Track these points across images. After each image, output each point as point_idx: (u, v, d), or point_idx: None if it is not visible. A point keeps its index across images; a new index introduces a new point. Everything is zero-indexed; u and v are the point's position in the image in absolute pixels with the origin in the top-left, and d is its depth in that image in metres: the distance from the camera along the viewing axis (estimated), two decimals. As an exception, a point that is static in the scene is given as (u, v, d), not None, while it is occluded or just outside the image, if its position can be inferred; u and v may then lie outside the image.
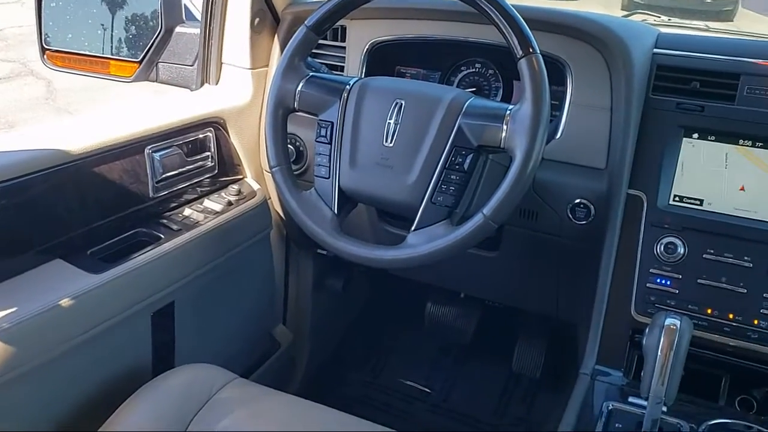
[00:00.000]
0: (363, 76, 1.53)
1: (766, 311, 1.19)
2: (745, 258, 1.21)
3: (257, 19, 1.60)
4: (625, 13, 2.07)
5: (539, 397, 2.06)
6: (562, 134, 1.35)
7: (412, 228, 1.18)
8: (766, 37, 1.52)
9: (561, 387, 1.71)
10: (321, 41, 1.45)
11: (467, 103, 1.17)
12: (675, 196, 1.28)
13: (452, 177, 1.16)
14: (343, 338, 2.24)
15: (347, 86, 1.25)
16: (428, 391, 2.12)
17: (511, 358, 2.02)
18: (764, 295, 1.20)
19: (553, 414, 1.46)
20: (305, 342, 2.01)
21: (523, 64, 1.09)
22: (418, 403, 2.08)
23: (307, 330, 2.01)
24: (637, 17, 1.81)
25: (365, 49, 1.54)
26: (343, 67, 1.57)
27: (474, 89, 1.56)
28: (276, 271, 1.82)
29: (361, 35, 1.54)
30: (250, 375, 1.77)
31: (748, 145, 1.25)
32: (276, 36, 1.65)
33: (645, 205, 1.28)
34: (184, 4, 1.82)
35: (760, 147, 1.24)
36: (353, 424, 1.16)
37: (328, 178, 1.24)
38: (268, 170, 1.28)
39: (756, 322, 1.20)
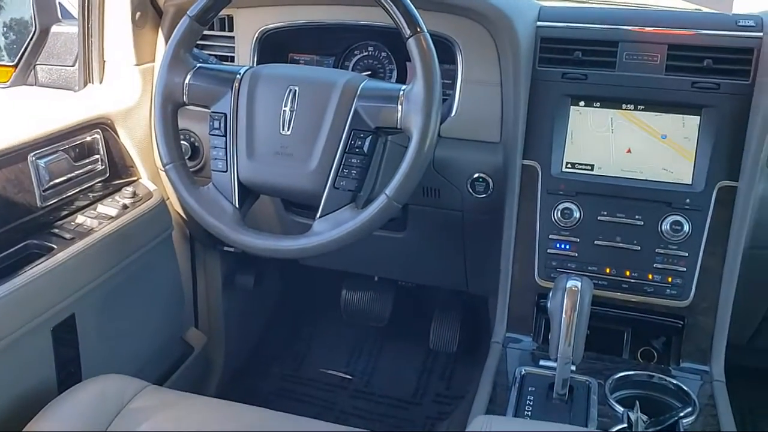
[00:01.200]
0: (254, 65, 1.50)
1: (659, 265, 1.27)
2: (636, 217, 1.28)
3: (138, 13, 1.53)
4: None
5: (457, 371, 2.10)
6: (456, 112, 1.38)
7: (318, 215, 1.17)
8: (642, 5, 1.60)
9: (477, 358, 1.75)
10: (208, 32, 1.41)
11: (361, 86, 1.17)
12: (567, 163, 1.33)
13: (353, 160, 1.16)
14: (259, 335, 2.21)
15: (238, 75, 1.22)
16: (349, 377, 2.12)
17: (428, 335, 2.05)
18: (656, 250, 1.27)
19: (472, 385, 1.49)
20: (220, 343, 1.97)
21: (411, 44, 1.09)
22: (339, 390, 2.08)
23: (221, 330, 1.96)
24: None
25: (255, 38, 1.51)
26: (233, 57, 1.53)
27: (369, 72, 1.56)
28: (182, 273, 1.76)
29: (249, 24, 1.51)
30: (164, 382, 1.71)
31: (630, 109, 1.31)
32: (160, 29, 1.59)
33: (540, 174, 1.33)
34: (59, 2, 1.73)
35: (642, 110, 1.31)
36: (272, 418, 1.14)
37: (226, 171, 1.21)
38: (162, 168, 1.24)
39: (650, 276, 1.27)
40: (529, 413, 1.12)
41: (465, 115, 1.37)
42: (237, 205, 1.21)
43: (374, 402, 2.04)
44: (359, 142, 1.15)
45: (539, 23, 1.37)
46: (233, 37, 1.53)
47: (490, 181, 1.36)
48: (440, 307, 2.06)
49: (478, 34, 1.36)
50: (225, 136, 1.21)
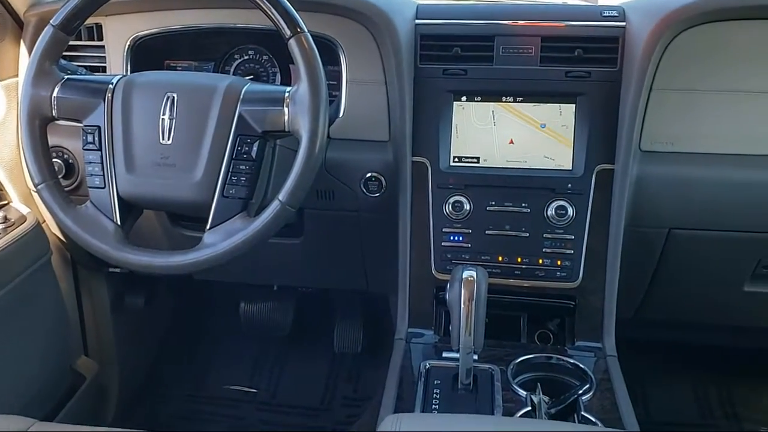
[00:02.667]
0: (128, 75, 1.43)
1: (548, 250, 1.32)
2: (523, 205, 1.32)
3: (-5, 25, 1.42)
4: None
5: (364, 372, 2.10)
6: (344, 112, 1.37)
7: (207, 227, 1.13)
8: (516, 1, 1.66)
9: (382, 357, 1.76)
10: (75, 42, 1.33)
11: (244, 90, 1.14)
12: (454, 157, 1.36)
13: (241, 167, 1.13)
14: (155, 356, 2.11)
15: (110, 85, 1.15)
16: (254, 390, 2.07)
17: (332, 339, 2.03)
18: (544, 235, 1.32)
19: (379, 385, 1.49)
20: (113, 369, 1.86)
21: (293, 45, 1.08)
22: (245, 405, 2.03)
23: (113, 356, 1.86)
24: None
25: (127, 46, 1.43)
26: (104, 68, 1.45)
27: (251, 77, 1.52)
28: (66, 299, 1.65)
29: (120, 31, 1.44)
30: (55, 417, 1.60)
31: (510, 101, 1.35)
32: (21, 41, 1.48)
33: (429, 169, 1.34)
34: None
35: (521, 101, 1.35)
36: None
37: (104, 187, 1.15)
38: (35, 189, 1.16)
39: (541, 261, 1.32)
40: (437, 407, 1.12)
41: (352, 115, 1.37)
42: (119, 223, 1.15)
43: (282, 413, 2.00)
44: (246, 148, 1.12)
45: (417, 21, 1.39)
46: (103, 46, 1.45)
47: (382, 179, 1.37)
48: (342, 309, 2.05)
49: (359, 34, 1.36)
50: (100, 150, 1.15)
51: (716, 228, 1.36)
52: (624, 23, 1.34)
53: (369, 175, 1.37)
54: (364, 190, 1.38)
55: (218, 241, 1.11)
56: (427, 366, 1.21)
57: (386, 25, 1.32)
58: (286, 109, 1.10)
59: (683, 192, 1.33)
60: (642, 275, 1.47)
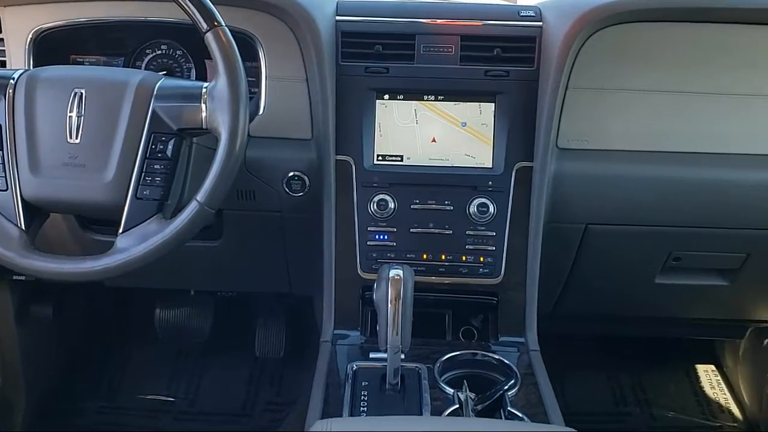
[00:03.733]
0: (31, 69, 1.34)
1: (470, 247, 1.33)
2: (446, 202, 1.33)
3: None
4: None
5: (287, 375, 2.06)
6: (264, 110, 1.33)
7: (120, 230, 1.08)
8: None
9: (306, 360, 1.73)
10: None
11: (158, 85, 1.09)
12: (378, 155, 1.35)
13: (156, 167, 1.08)
14: (66, 368, 2.00)
15: (11, 80, 1.08)
16: (172, 399, 1.99)
17: (254, 344, 1.99)
18: (467, 232, 1.33)
19: (303, 388, 1.46)
20: (18, 383, 1.75)
21: (210, 38, 1.04)
22: (162, 415, 1.95)
23: (19, 369, 1.74)
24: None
25: (29, 39, 1.34)
26: (4, 62, 1.36)
27: (165, 72, 1.46)
28: (-35, 310, 1.54)
29: (20, 23, 1.34)
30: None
31: (431, 100, 1.36)
32: None
33: (354, 168, 1.33)
34: None
35: (442, 100, 1.35)
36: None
37: (6, 189, 1.07)
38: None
39: (464, 258, 1.33)
40: (365, 409, 1.11)
41: (273, 112, 1.33)
42: (23, 227, 1.08)
43: (201, 421, 1.94)
44: (161, 146, 1.07)
45: (338, 17, 1.37)
46: (2, 39, 1.35)
47: (305, 178, 1.34)
48: (264, 312, 2.01)
49: (279, 30, 1.33)
50: (1, 150, 1.07)
51: (630, 223, 1.41)
52: (540, 23, 1.37)
53: (292, 174, 1.34)
54: (287, 190, 1.35)
55: (132, 245, 1.06)
56: (354, 368, 1.19)
57: (306, 22, 1.30)
58: (203, 106, 1.06)
59: (598, 188, 1.37)
60: (560, 270, 1.50)
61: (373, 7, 1.42)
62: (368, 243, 1.32)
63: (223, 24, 1.05)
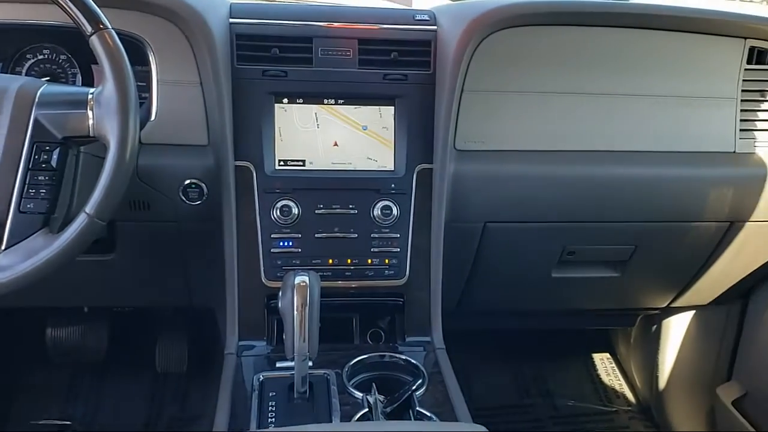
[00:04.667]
0: None
1: (375, 249, 1.33)
2: (350, 206, 1.32)
3: None
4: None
5: (192, 390, 1.99)
6: (156, 115, 1.28)
7: (2, 247, 1.01)
8: (335, 2, 1.66)
9: (211, 373, 1.68)
10: None
11: (40, 91, 1.02)
12: (280, 160, 1.33)
13: (40, 178, 1.01)
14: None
15: None
16: (68, 423, 1.88)
17: (154, 359, 1.91)
18: (372, 235, 1.33)
19: (209, 402, 1.42)
20: None
21: (95, 42, 0.99)
22: (58, 440, 1.84)
23: None
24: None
25: None
26: None
27: (48, 78, 1.38)
28: None
29: None
30: None
31: (332, 103, 1.35)
32: None
33: (254, 174, 1.30)
34: None
35: (342, 103, 1.35)
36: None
37: None
38: None
39: (370, 261, 1.33)
40: (273, 420, 1.09)
41: (166, 118, 1.28)
42: None
43: (102, 443, 1.85)
44: (45, 156, 1.01)
45: (232, 20, 1.34)
46: None
47: (203, 186, 1.30)
48: (164, 326, 1.93)
49: (170, 33, 1.28)
50: None
51: (526, 220, 1.46)
52: (435, 27, 1.39)
53: (188, 181, 1.29)
54: (184, 198, 1.30)
55: (17, 262, 0.99)
56: (261, 378, 1.17)
57: (198, 24, 1.26)
58: (90, 113, 1.01)
59: (495, 188, 1.41)
60: (462, 268, 1.54)
61: (268, 10, 1.40)
62: (272, 250, 1.29)
63: (109, 27, 1.00)
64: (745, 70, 1.47)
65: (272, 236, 1.29)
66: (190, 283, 1.49)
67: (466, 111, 1.38)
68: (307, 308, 1.04)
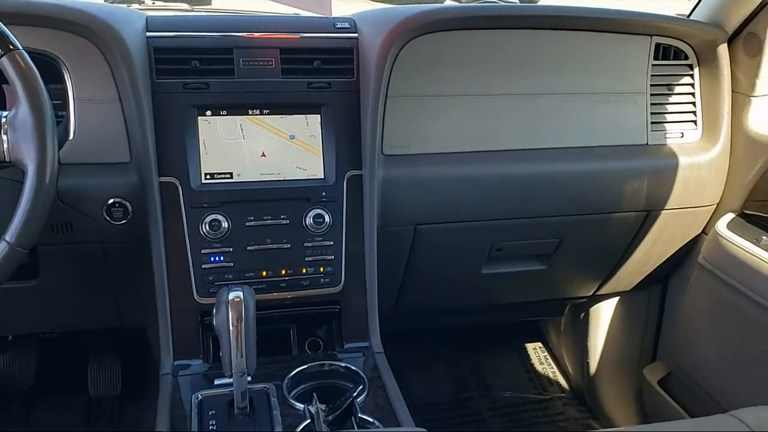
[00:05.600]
0: None
1: (310, 258, 1.33)
2: (282, 216, 1.32)
3: None
4: (109, -1, 1.99)
5: (127, 412, 1.94)
6: (75, 134, 1.25)
7: None
8: (254, 12, 1.64)
9: (148, 393, 1.64)
10: None
11: None
12: (206, 174, 1.31)
13: None
14: None
15: None
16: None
17: (86, 383, 1.84)
18: (305, 245, 1.33)
19: (146, 424, 1.38)
20: None
21: (5, 64, 0.95)
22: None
23: None
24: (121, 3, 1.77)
25: None
26: None
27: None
28: None
29: None
30: None
31: (257, 114, 1.34)
32: None
33: (180, 189, 1.28)
34: None
35: (268, 113, 1.34)
36: None
37: None
38: None
39: (304, 270, 1.32)
40: (215, 438, 1.07)
41: (85, 137, 1.25)
42: None
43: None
44: (-42, 184, 0.97)
45: (149, 33, 1.31)
46: None
47: (128, 204, 1.26)
48: (95, 349, 1.87)
49: (85, 49, 1.25)
50: None
51: (454, 220, 1.49)
52: (356, 34, 1.40)
53: (112, 201, 1.26)
54: (108, 218, 1.27)
55: (-68, 296, 0.95)
56: (200, 397, 1.15)
57: (114, 39, 1.23)
58: (4, 137, 0.97)
59: (423, 190, 1.43)
60: (396, 271, 1.56)
61: (185, 22, 1.37)
62: (203, 266, 1.27)
63: (20, 47, 0.96)
64: (653, 65, 1.55)
65: (202, 252, 1.27)
66: (120, 303, 1.45)
67: (391, 116, 1.40)
68: (242, 323, 1.03)
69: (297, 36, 1.38)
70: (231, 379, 1.07)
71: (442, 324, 2.02)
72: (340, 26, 1.41)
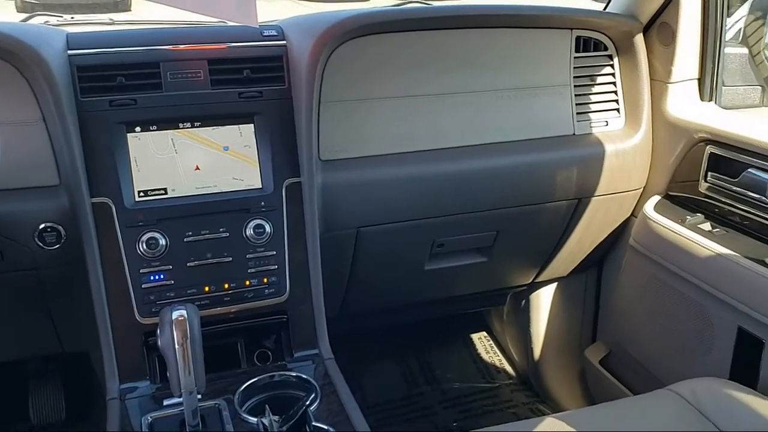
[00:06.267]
0: None
1: (252, 270, 1.32)
2: (221, 230, 1.30)
3: None
4: (24, 16, 1.91)
5: (74, 439, 1.88)
6: (-1, 159, 1.20)
7: None
8: (179, 23, 1.61)
9: (94, 420, 1.59)
10: None
11: None
12: (139, 192, 1.28)
13: None
14: None
15: None
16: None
17: (28, 412, 1.78)
18: (247, 257, 1.31)
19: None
20: None
21: None
22: None
23: None
24: (37, 20, 1.70)
25: None
26: None
27: None
28: None
29: None
30: None
31: (188, 127, 1.32)
32: None
33: (114, 209, 1.25)
34: None
35: (199, 126, 1.32)
36: None
37: None
38: None
39: (248, 283, 1.31)
40: (167, 460, 1.06)
41: (11, 161, 1.21)
42: None
43: None
44: None
45: (70, 51, 1.27)
46: None
47: (60, 228, 1.23)
48: (35, 376, 1.80)
49: (3, 70, 1.21)
50: None
51: (395, 220, 1.50)
52: (284, 42, 1.40)
53: (43, 225, 1.22)
54: (40, 244, 1.23)
55: None
56: (149, 420, 1.13)
57: (33, 59, 1.19)
58: None
59: (362, 193, 1.44)
60: (341, 275, 1.56)
61: (108, 38, 1.34)
62: (143, 286, 1.24)
63: (-67, 75, 0.92)
64: (575, 58, 1.61)
65: (141, 271, 1.25)
66: (59, 329, 1.41)
67: (326, 121, 1.40)
68: (188, 342, 1.02)
69: (225, 46, 1.36)
70: (181, 399, 1.06)
71: (389, 322, 2.03)
72: (267, 34, 1.40)
